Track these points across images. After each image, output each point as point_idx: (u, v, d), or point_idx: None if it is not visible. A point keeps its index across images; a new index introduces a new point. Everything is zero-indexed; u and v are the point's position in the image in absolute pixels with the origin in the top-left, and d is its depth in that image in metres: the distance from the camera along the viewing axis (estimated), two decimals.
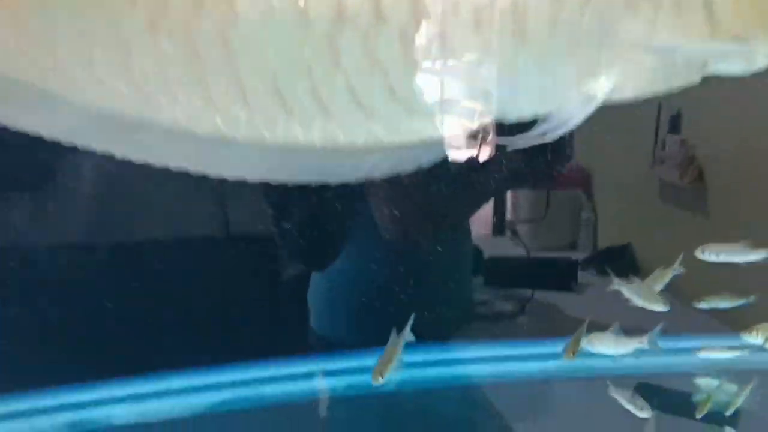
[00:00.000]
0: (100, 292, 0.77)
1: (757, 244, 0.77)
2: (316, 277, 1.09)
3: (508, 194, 2.17)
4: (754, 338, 0.68)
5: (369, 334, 1.03)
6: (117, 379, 0.78)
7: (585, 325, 0.81)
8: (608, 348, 0.80)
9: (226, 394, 0.79)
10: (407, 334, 0.72)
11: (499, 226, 2.28)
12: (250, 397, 0.79)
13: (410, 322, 0.72)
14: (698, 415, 0.78)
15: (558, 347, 0.82)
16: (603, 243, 1.99)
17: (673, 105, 1.64)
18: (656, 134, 1.70)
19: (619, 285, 0.80)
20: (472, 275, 1.81)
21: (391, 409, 0.80)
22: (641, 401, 0.75)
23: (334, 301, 1.13)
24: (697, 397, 0.83)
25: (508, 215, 2.25)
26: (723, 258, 0.78)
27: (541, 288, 1.70)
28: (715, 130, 1.55)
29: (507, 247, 2.03)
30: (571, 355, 0.80)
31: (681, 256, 0.83)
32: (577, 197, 2.07)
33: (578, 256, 1.97)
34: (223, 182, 0.38)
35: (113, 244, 0.84)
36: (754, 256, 0.78)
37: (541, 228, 2.00)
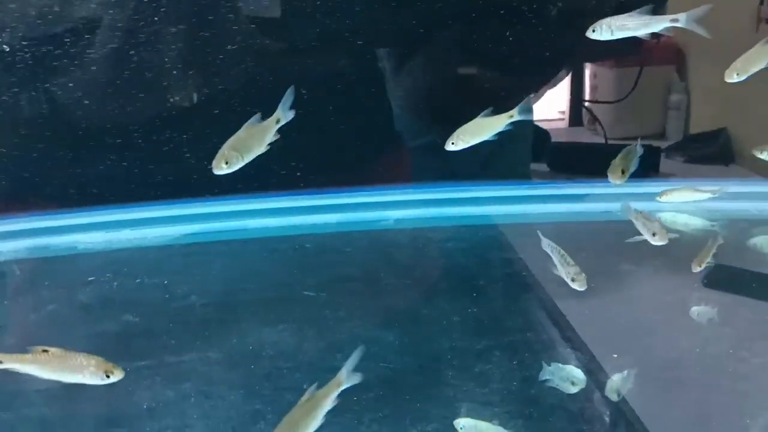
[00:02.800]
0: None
1: None
2: None
3: (587, 74, 1.96)
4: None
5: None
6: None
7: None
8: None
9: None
10: None
11: (576, 114, 2.09)
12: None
13: None
14: None
15: None
16: (695, 128, 1.76)
17: None
18: None
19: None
20: (536, 159, 1.69)
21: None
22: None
23: None
24: None
25: (587, 98, 2.05)
26: None
27: None
28: None
29: (588, 137, 1.87)
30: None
31: None
32: (666, 75, 1.82)
33: (667, 143, 1.76)
34: None
35: None
36: None
37: (624, 112, 1.80)
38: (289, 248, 0.72)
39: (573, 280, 0.53)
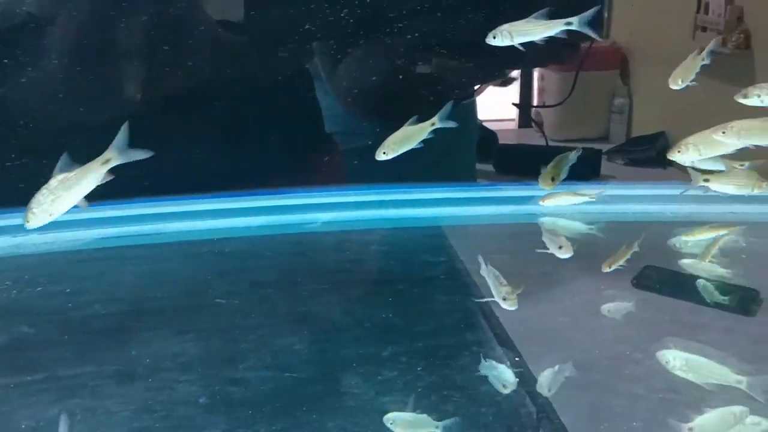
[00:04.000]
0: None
1: None
2: None
3: (535, 77, 1.99)
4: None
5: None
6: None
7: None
8: None
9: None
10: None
11: (525, 116, 2.11)
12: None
13: None
14: None
15: None
16: (637, 131, 1.80)
17: None
18: None
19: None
20: (483, 161, 1.71)
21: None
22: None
23: None
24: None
25: (535, 102, 2.08)
26: None
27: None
28: None
29: (535, 139, 1.89)
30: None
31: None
32: (610, 79, 1.86)
33: (609, 146, 1.80)
34: None
35: None
36: None
37: (570, 115, 1.83)
38: (207, 252, 0.69)
39: (504, 299, 0.53)
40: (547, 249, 0.59)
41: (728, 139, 0.54)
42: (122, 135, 0.44)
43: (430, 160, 1.06)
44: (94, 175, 0.45)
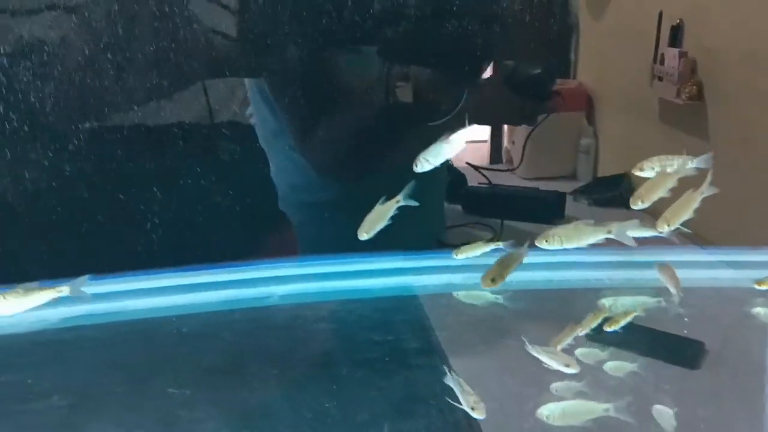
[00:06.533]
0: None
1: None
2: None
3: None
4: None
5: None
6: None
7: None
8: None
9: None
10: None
11: (496, 153, 2.16)
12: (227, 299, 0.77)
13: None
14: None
15: None
16: (603, 171, 1.85)
17: (674, 15, 1.45)
18: (656, 48, 1.52)
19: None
20: (452, 201, 1.74)
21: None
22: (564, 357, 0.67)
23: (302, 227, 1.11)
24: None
25: (504, 142, 2.13)
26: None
27: (525, 220, 1.61)
28: (718, 42, 1.36)
29: (507, 178, 1.93)
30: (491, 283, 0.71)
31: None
32: (577, 120, 1.92)
33: (577, 185, 1.85)
34: None
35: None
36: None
37: (539, 154, 1.87)
38: (166, 334, 0.72)
39: (473, 409, 0.56)
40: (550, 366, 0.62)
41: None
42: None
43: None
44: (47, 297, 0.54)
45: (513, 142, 2.02)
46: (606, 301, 0.80)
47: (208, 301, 0.78)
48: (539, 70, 1.22)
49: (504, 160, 2.10)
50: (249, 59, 0.88)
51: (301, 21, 0.86)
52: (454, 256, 0.80)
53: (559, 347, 0.68)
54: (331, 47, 0.92)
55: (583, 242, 0.66)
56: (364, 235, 0.68)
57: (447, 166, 1.58)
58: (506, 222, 1.58)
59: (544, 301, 0.86)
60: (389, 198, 0.69)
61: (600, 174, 1.87)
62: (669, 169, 0.65)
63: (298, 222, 1.13)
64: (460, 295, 0.83)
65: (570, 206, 1.69)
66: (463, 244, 0.83)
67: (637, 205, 0.65)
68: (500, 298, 0.82)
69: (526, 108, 1.23)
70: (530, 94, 1.17)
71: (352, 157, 1.01)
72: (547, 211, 1.64)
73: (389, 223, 0.72)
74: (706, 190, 0.60)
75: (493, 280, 0.63)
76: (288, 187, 1.15)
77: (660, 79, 1.49)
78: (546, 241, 0.65)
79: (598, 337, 0.81)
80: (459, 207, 1.73)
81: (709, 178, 0.60)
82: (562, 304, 0.88)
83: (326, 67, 0.95)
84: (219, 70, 0.87)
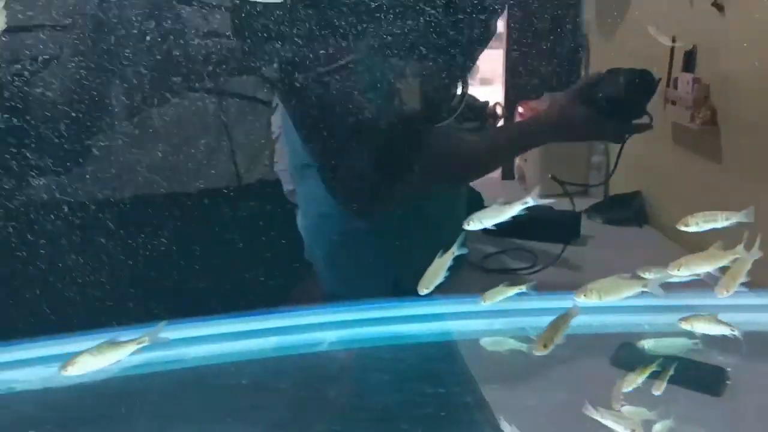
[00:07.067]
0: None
1: None
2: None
3: None
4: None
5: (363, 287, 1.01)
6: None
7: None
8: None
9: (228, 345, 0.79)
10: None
11: (508, 168, 2.19)
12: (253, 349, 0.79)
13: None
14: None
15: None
16: (615, 189, 1.88)
17: (688, 41, 1.48)
18: (669, 73, 1.55)
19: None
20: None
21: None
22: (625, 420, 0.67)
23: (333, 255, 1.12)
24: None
25: (517, 160, 2.16)
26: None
27: (542, 240, 1.63)
28: (731, 67, 1.39)
29: (517, 192, 1.96)
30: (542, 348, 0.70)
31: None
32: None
33: (589, 202, 1.87)
34: None
35: None
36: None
37: (551, 171, 1.90)
38: (224, 386, 0.73)
39: None
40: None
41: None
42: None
43: (425, 232, 1.10)
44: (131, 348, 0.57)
45: (525, 160, 2.05)
46: (645, 343, 0.83)
47: (261, 348, 0.80)
48: (630, 86, 1.16)
49: (516, 177, 2.13)
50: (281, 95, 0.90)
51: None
52: (482, 303, 0.80)
53: (617, 407, 0.69)
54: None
55: (621, 296, 0.69)
56: (424, 291, 0.70)
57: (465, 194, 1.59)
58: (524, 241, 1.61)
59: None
60: (446, 251, 0.72)
61: (611, 192, 1.90)
62: (712, 225, 0.68)
63: (329, 250, 1.14)
64: (486, 342, 0.85)
65: (585, 224, 1.72)
66: (486, 289, 0.85)
67: (723, 294, 0.67)
68: (524, 347, 0.83)
69: (610, 127, 1.18)
70: (618, 112, 1.12)
71: (376, 191, 1.02)
72: (563, 231, 1.67)
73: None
74: (756, 254, 0.63)
75: (545, 346, 0.64)
76: (318, 216, 1.16)
77: (673, 103, 1.53)
78: (584, 296, 0.68)
79: (621, 362, 0.82)
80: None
81: (757, 242, 0.63)
82: (577, 350, 0.88)
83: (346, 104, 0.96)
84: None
